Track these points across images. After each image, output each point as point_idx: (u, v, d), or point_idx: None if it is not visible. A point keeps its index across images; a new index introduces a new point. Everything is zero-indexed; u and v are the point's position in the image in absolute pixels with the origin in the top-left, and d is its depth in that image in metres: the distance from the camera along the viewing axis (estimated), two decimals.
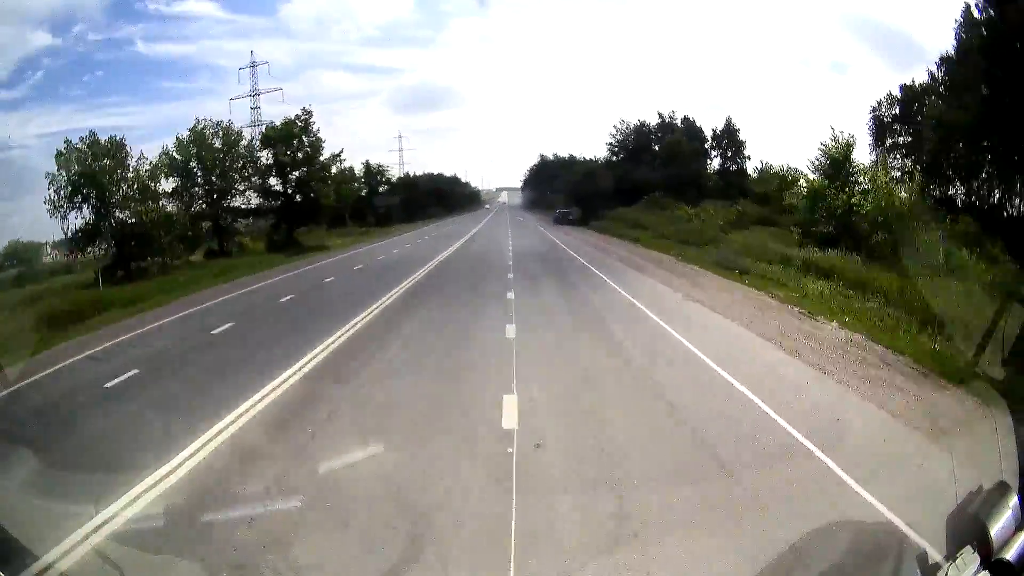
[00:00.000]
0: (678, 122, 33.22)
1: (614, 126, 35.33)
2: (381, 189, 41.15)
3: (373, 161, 41.91)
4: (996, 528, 2.03)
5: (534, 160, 49.58)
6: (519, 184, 52.67)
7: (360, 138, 49.81)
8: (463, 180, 51.67)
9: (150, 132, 40.62)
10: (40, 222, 22.76)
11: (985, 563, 1.99)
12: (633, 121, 34.72)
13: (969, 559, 2.01)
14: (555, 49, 50.13)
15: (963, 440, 5.42)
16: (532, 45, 51.26)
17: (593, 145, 59.44)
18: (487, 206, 51.28)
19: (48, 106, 27.61)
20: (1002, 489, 2.21)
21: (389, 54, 43.35)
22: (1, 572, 2.79)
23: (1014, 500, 2.12)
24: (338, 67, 44.72)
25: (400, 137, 42.85)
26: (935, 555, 2.26)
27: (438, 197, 47.24)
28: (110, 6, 28.86)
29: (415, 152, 60.02)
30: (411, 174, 44.51)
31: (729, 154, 31.86)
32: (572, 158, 46.22)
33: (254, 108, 32.22)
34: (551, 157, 48.06)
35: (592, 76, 52.31)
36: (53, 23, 27.84)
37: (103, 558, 3.97)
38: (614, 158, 34.74)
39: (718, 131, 31.96)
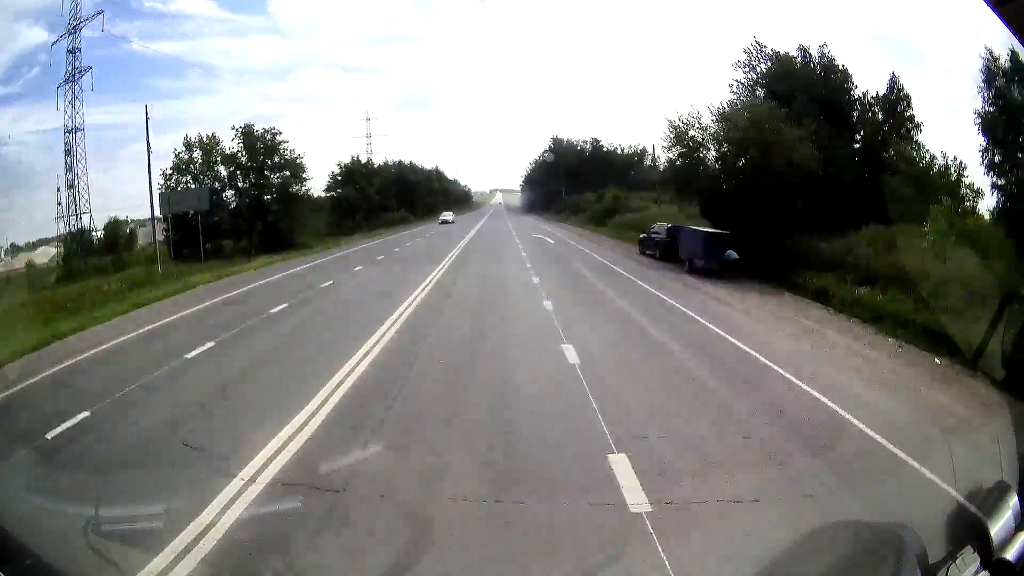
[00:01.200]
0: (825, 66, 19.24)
1: (744, 50, 19.56)
2: (278, 178, 23.96)
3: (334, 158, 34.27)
4: (996, 528, 2.03)
5: (540, 150, 41.68)
6: (518, 185, 47.77)
7: (352, 138, 49.44)
8: (450, 177, 44.41)
9: (140, 132, 40.21)
10: (34, 219, 22.48)
11: (985, 563, 1.98)
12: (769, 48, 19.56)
13: (969, 559, 2.01)
14: (556, 33, 48.48)
15: (963, 439, 5.40)
16: (532, 35, 50.15)
17: (620, 134, 53.12)
18: (444, 217, 39.76)
19: (44, 103, 27.52)
20: (1002, 489, 2.21)
21: (382, 52, 43.48)
22: (1, 572, 2.79)
23: (1014, 500, 2.12)
24: (331, 65, 44.57)
25: (368, 119, 36.46)
26: (935, 555, 2.25)
27: (403, 194, 36.31)
28: (107, 3, 28.83)
29: (404, 148, 55.27)
30: (369, 162, 34.75)
31: (886, 129, 18.06)
32: (598, 143, 38.94)
33: (73, 51, 21.93)
34: (567, 142, 39.56)
35: (599, 57, 49.50)
36: (49, 19, 27.85)
37: (103, 558, 3.97)
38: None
39: (870, 96, 18.38)
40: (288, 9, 41.64)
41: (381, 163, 37.21)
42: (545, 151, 42.11)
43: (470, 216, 46.80)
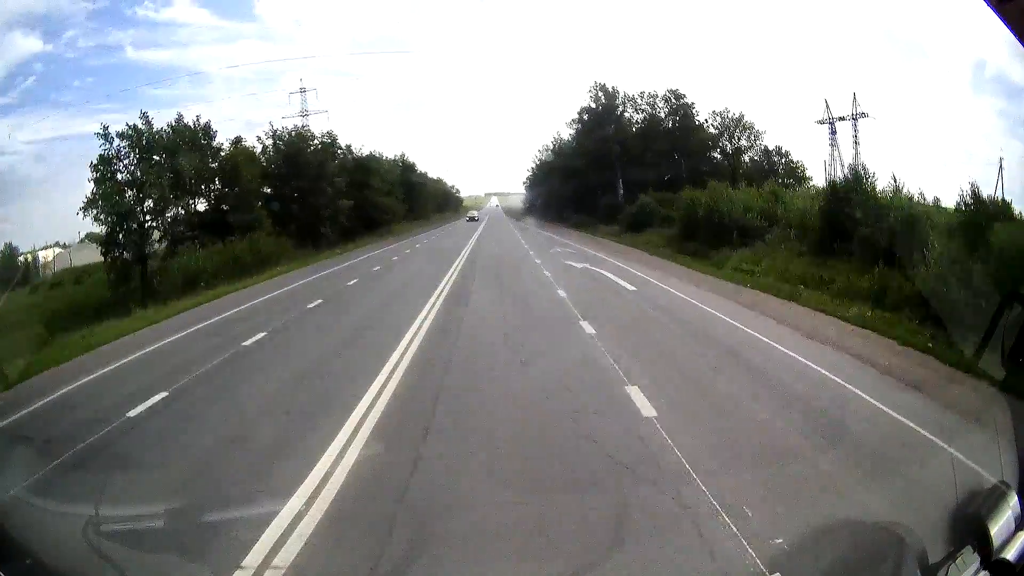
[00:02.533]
0: None
1: None
2: None
3: None
4: (996, 528, 2.03)
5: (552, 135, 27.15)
6: (520, 185, 40.42)
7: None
8: (432, 175, 33.05)
9: None
10: (29, 228, 22.07)
11: (985, 563, 1.99)
12: None
13: (969, 559, 2.02)
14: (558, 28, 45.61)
15: (963, 439, 5.40)
16: (531, 34, 48.28)
17: None
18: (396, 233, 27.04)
19: (40, 112, 27.20)
20: (1002, 489, 2.22)
21: (374, 56, 42.18)
22: (1, 572, 2.79)
23: (1014, 500, 2.13)
24: (322, 71, 43.40)
25: (303, 91, 23.77)
26: (935, 555, 2.25)
27: (290, 199, 21.39)
28: (101, 12, 28.67)
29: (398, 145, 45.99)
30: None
31: None
32: (681, 99, 22.59)
33: None
34: (623, 96, 23.26)
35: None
36: (45, 28, 27.76)
37: (103, 558, 3.97)
38: None
39: None
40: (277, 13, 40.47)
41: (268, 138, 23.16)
42: (584, 112, 24.08)
43: (440, 236, 30.12)
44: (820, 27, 28.12)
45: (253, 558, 3.96)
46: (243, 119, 39.41)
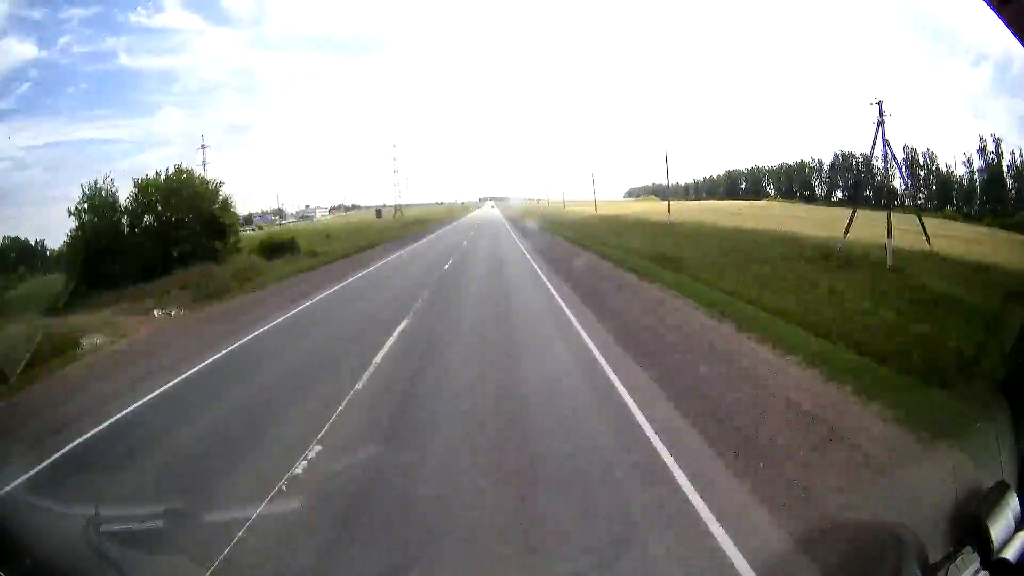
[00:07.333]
0: None
1: None
2: None
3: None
4: (996, 528, 2.03)
5: None
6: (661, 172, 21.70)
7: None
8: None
9: (135, 146, 38.56)
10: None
11: (985, 563, 1.98)
12: None
13: (969, 559, 2.01)
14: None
15: (963, 439, 5.40)
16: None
17: None
18: None
19: (37, 118, 27.05)
20: (1002, 489, 2.21)
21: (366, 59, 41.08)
22: (1, 572, 2.79)
23: (1014, 500, 2.12)
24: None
25: (203, 147, 23.42)
26: (935, 555, 2.25)
27: None
28: (94, 18, 28.51)
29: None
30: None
31: None
32: None
33: None
34: None
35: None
36: (40, 35, 27.66)
37: (103, 557, 3.97)
38: None
39: None
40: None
41: None
42: None
43: None
44: None
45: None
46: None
